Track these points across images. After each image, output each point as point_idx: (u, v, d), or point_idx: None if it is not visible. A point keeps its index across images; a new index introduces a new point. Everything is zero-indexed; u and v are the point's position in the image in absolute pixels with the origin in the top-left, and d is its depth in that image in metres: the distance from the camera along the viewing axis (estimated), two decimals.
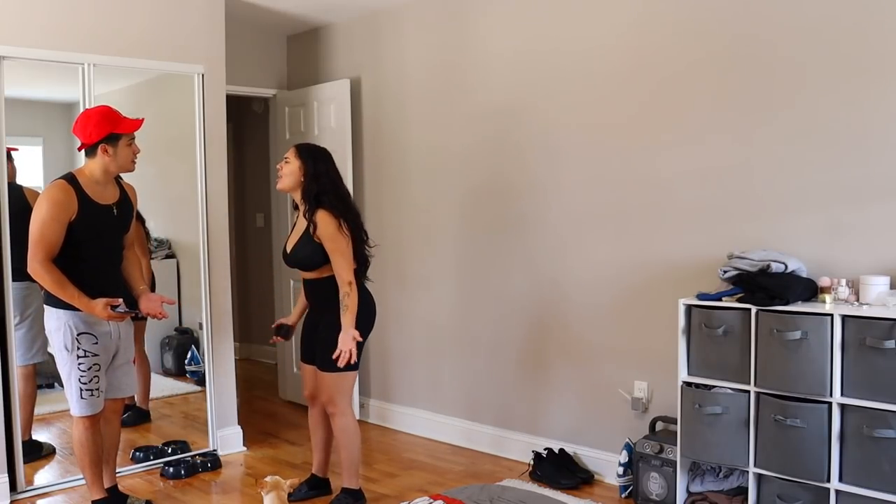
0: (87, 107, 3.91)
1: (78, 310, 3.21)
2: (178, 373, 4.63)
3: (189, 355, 4.59)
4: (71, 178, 3.24)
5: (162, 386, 4.56)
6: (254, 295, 7.07)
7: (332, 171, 3.49)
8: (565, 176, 4.02)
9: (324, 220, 3.37)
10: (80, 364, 3.25)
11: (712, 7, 3.47)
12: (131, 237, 3.54)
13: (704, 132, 3.52)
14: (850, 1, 3.09)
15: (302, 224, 3.48)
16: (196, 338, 4.56)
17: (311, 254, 3.42)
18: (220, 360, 4.48)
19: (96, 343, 3.28)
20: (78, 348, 3.24)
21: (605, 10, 3.84)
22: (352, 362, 3.38)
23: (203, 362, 4.44)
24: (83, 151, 3.30)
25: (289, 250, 3.54)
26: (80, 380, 3.25)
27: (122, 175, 3.46)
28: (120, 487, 3.65)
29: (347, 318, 3.36)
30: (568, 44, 3.98)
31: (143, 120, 3.36)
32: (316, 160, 3.45)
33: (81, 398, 3.27)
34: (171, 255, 4.56)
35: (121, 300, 3.26)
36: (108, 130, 3.23)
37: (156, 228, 4.42)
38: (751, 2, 3.36)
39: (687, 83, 3.56)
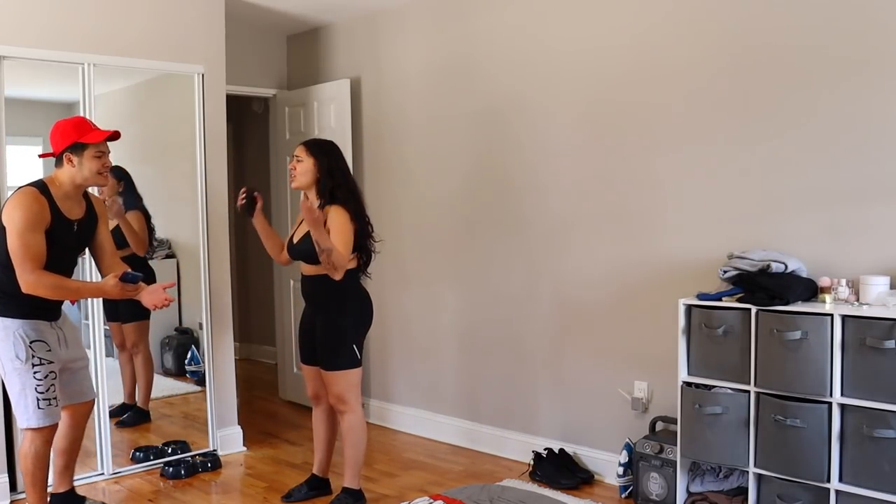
0: (88, 107, 3.92)
1: (25, 318, 3.11)
2: (178, 373, 4.63)
3: (189, 355, 4.59)
4: (42, 187, 3.13)
5: (162, 386, 4.55)
6: (254, 295, 7.08)
7: (342, 163, 3.52)
8: (565, 175, 4.02)
9: (336, 213, 3.38)
10: (35, 373, 3.11)
11: (714, 9, 3.47)
12: (111, 248, 3.44)
13: (705, 132, 3.52)
14: (850, 2, 3.09)
15: None
16: (196, 338, 4.55)
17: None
18: (220, 360, 4.48)
19: (49, 350, 3.17)
20: (33, 356, 3.11)
21: (605, 12, 3.84)
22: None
23: (203, 362, 4.44)
24: (54, 161, 3.21)
25: (295, 241, 3.55)
26: (37, 389, 3.11)
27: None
28: (77, 490, 3.62)
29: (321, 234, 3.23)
30: (568, 44, 3.98)
31: (111, 132, 3.23)
32: (328, 155, 3.47)
33: (39, 408, 3.12)
34: (171, 255, 4.56)
35: (128, 268, 3.21)
36: (73, 140, 3.14)
37: (156, 228, 4.41)
38: (752, 4, 3.36)
39: (688, 82, 3.56)
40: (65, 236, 3.19)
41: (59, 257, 3.18)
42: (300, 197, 5.21)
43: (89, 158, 3.18)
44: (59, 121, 3.24)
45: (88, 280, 3.92)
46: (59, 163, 3.20)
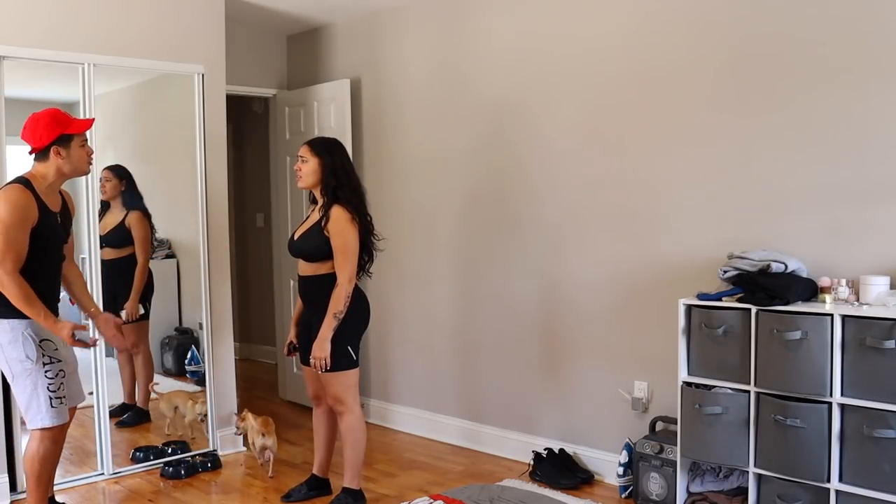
0: (88, 107, 3.92)
1: (30, 317, 3.05)
2: (178, 373, 4.63)
3: (189, 355, 4.59)
4: (26, 183, 3.10)
5: (162, 386, 4.56)
6: (254, 295, 7.08)
7: (346, 162, 3.52)
8: (565, 175, 4.02)
9: (337, 214, 3.39)
10: (47, 372, 3.09)
11: (713, 8, 3.47)
12: (70, 249, 3.40)
13: (705, 132, 3.52)
14: (850, 3, 3.09)
15: (316, 216, 3.49)
16: (196, 338, 4.55)
17: (317, 245, 3.42)
18: (220, 360, 4.49)
19: (57, 349, 3.16)
20: (43, 355, 3.09)
21: (604, 12, 3.84)
22: (326, 369, 3.39)
23: (203, 362, 4.44)
24: (33, 157, 3.18)
25: (296, 238, 3.55)
26: (48, 388, 3.09)
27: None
28: (57, 497, 3.58)
29: (328, 320, 3.36)
30: (567, 44, 3.98)
31: (93, 119, 3.26)
32: (332, 154, 3.47)
33: (52, 407, 3.11)
34: (171, 255, 4.56)
35: (87, 327, 3.21)
36: (59, 132, 3.11)
37: (156, 228, 4.41)
38: (751, 3, 3.36)
39: (688, 83, 3.56)
40: (53, 229, 3.17)
41: (50, 251, 3.17)
42: (301, 196, 5.24)
43: (76, 148, 3.18)
44: (34, 114, 3.20)
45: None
46: (42, 157, 3.16)
